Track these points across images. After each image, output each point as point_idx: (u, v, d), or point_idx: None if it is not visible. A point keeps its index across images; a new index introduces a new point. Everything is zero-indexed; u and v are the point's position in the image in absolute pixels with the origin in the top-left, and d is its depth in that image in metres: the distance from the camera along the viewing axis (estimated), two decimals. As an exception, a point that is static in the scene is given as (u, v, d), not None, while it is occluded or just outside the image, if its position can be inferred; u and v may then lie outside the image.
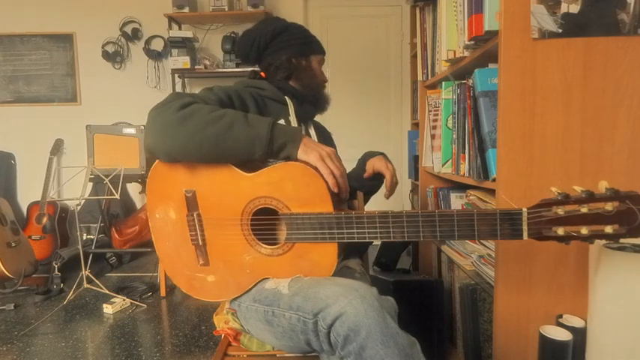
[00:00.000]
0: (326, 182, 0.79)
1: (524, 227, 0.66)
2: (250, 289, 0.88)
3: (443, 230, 0.71)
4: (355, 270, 0.98)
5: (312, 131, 1.16)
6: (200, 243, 0.90)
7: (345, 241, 0.78)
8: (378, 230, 0.75)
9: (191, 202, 0.88)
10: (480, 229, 0.69)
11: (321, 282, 0.76)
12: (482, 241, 1.24)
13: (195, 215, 0.89)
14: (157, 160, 0.90)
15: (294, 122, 1.07)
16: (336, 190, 0.80)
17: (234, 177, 0.84)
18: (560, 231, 0.64)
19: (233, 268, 0.88)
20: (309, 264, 0.82)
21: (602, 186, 0.61)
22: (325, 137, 1.24)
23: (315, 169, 0.80)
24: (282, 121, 1.03)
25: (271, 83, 1.09)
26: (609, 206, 0.60)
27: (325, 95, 1.18)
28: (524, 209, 0.67)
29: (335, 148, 1.14)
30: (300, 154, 0.82)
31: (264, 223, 0.86)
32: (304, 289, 0.77)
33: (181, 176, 0.88)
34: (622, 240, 0.94)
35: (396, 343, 0.66)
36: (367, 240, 0.77)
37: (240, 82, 1.09)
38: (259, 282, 0.87)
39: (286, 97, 1.09)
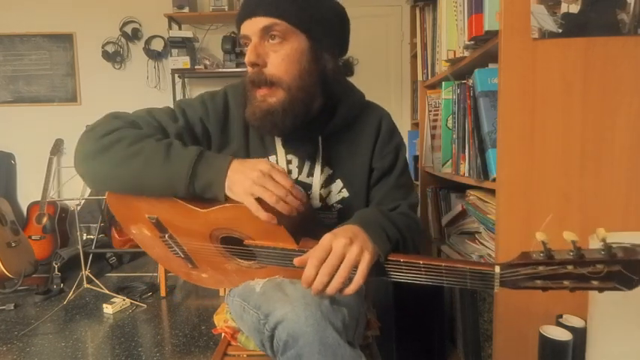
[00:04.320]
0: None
1: (496, 283, 0.61)
2: None
3: (411, 276, 0.67)
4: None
5: (317, 171, 0.87)
6: (182, 255, 0.88)
7: None
8: None
9: (159, 226, 0.84)
10: (447, 279, 0.64)
11: (285, 284, 0.73)
12: (480, 240, 1.24)
13: (167, 236, 0.85)
14: (108, 195, 0.85)
15: (282, 161, 0.88)
16: (285, 212, 0.70)
17: (188, 211, 0.77)
18: (539, 283, 0.58)
19: (221, 271, 0.88)
20: (285, 276, 0.80)
21: (600, 236, 0.52)
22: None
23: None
24: (273, 158, 0.87)
25: None
26: (601, 267, 0.53)
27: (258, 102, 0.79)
28: (497, 269, 0.59)
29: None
30: (229, 193, 0.71)
31: (237, 249, 0.81)
32: (271, 289, 0.74)
33: (139, 204, 0.82)
34: (621, 239, 0.94)
35: (335, 354, 0.63)
36: None
37: None
38: None
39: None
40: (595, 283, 0.54)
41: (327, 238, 0.66)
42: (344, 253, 0.64)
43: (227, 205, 0.73)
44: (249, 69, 0.78)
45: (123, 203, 0.86)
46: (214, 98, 0.87)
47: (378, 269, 0.69)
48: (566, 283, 0.56)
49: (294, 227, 0.72)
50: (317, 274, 0.64)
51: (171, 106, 0.88)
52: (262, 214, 0.69)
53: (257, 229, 0.73)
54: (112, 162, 0.74)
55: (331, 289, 0.64)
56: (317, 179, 0.88)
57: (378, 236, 0.70)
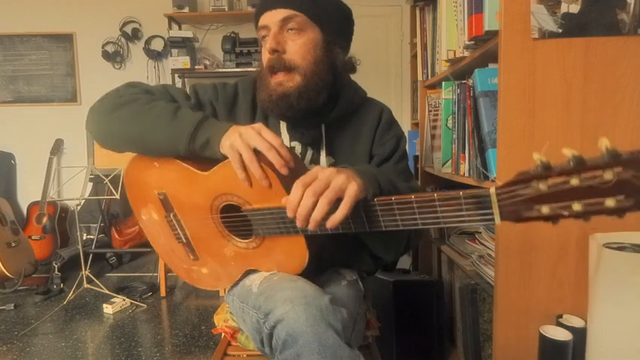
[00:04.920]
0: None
1: (495, 210, 0.55)
2: (240, 280, 0.87)
3: (405, 219, 0.63)
4: (344, 276, 0.90)
5: (322, 157, 0.92)
6: (184, 241, 0.90)
7: (309, 233, 0.71)
8: None
9: (166, 203, 0.87)
10: (443, 215, 0.59)
11: (283, 283, 0.74)
12: (480, 240, 1.24)
13: (172, 216, 0.88)
14: (126, 169, 0.91)
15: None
16: (257, 175, 0.70)
17: (192, 177, 0.81)
18: (546, 209, 0.50)
19: (220, 261, 0.88)
20: (282, 256, 0.79)
21: (603, 145, 0.47)
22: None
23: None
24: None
25: None
26: (608, 174, 0.47)
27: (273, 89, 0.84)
28: (492, 189, 0.54)
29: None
30: (221, 149, 0.73)
31: (234, 218, 0.82)
32: (268, 289, 0.74)
33: (151, 179, 0.87)
34: (621, 239, 0.94)
35: (335, 355, 0.63)
36: (329, 232, 0.67)
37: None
38: (245, 274, 0.86)
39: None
40: (610, 202, 0.46)
41: (315, 168, 0.68)
42: (330, 180, 0.64)
43: (226, 161, 0.75)
44: (269, 55, 0.84)
45: (137, 182, 0.91)
46: (225, 85, 0.95)
47: (367, 209, 0.66)
48: (576, 206, 0.48)
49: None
50: (302, 197, 0.63)
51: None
52: (240, 173, 0.71)
53: (253, 188, 0.74)
54: (124, 116, 0.80)
55: (317, 214, 0.63)
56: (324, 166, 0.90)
57: (367, 179, 0.69)
